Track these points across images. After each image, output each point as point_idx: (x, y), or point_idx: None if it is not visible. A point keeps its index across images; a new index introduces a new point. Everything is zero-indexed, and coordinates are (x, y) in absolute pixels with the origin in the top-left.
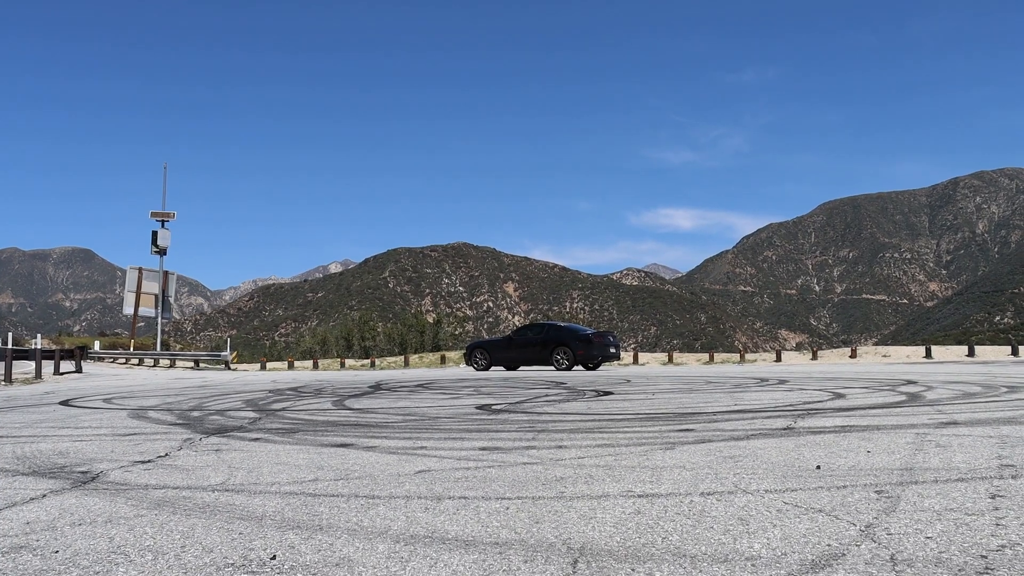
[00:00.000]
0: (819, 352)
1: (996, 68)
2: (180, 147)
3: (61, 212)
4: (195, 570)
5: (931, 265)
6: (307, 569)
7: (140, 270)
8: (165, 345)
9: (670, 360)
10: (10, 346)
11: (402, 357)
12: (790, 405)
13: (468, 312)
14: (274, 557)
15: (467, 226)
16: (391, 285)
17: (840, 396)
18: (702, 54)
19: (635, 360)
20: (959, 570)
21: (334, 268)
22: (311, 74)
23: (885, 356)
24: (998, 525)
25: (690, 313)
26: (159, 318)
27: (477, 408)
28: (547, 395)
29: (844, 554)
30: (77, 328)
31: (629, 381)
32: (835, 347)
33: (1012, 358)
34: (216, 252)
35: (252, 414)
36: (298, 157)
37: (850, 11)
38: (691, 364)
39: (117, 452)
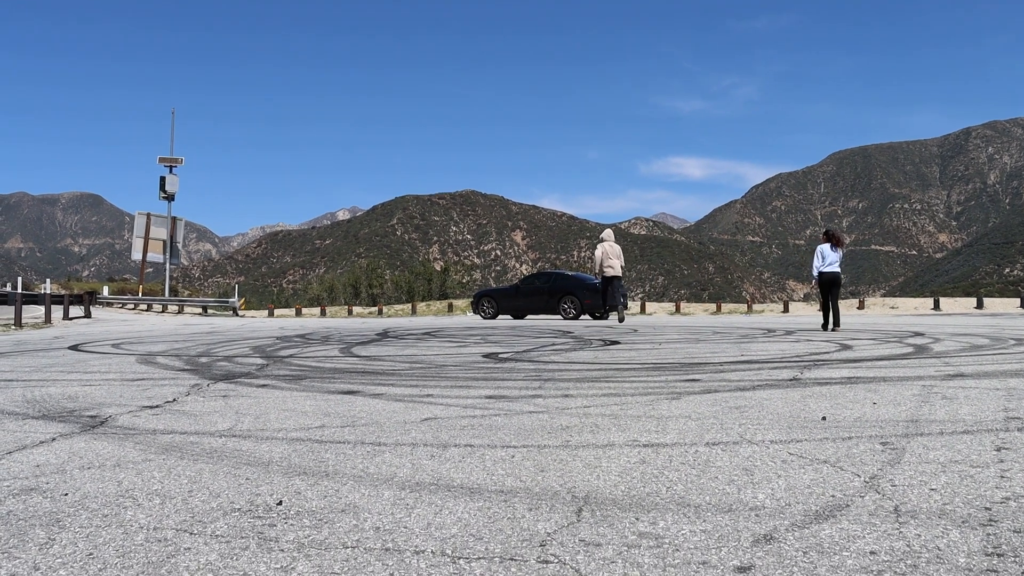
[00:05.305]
0: None
1: (1011, 18)
2: (189, 93)
3: (70, 157)
4: (202, 514)
5: (941, 216)
6: (313, 515)
7: (148, 216)
8: (173, 291)
9: (677, 310)
10: (20, 290)
11: (409, 305)
12: (797, 356)
13: (476, 260)
14: (280, 503)
15: (475, 174)
16: (399, 233)
17: (847, 347)
18: (715, 1)
19: (642, 310)
20: (963, 522)
21: (342, 215)
22: (321, 21)
23: (893, 308)
24: (1003, 477)
25: (698, 263)
26: (167, 264)
27: (484, 356)
28: (554, 344)
29: (848, 505)
30: (86, 273)
31: (636, 331)
32: (843, 298)
33: (1021, 310)
34: (224, 199)
35: (259, 360)
36: (307, 104)
37: None
38: (698, 314)
39: (126, 397)
